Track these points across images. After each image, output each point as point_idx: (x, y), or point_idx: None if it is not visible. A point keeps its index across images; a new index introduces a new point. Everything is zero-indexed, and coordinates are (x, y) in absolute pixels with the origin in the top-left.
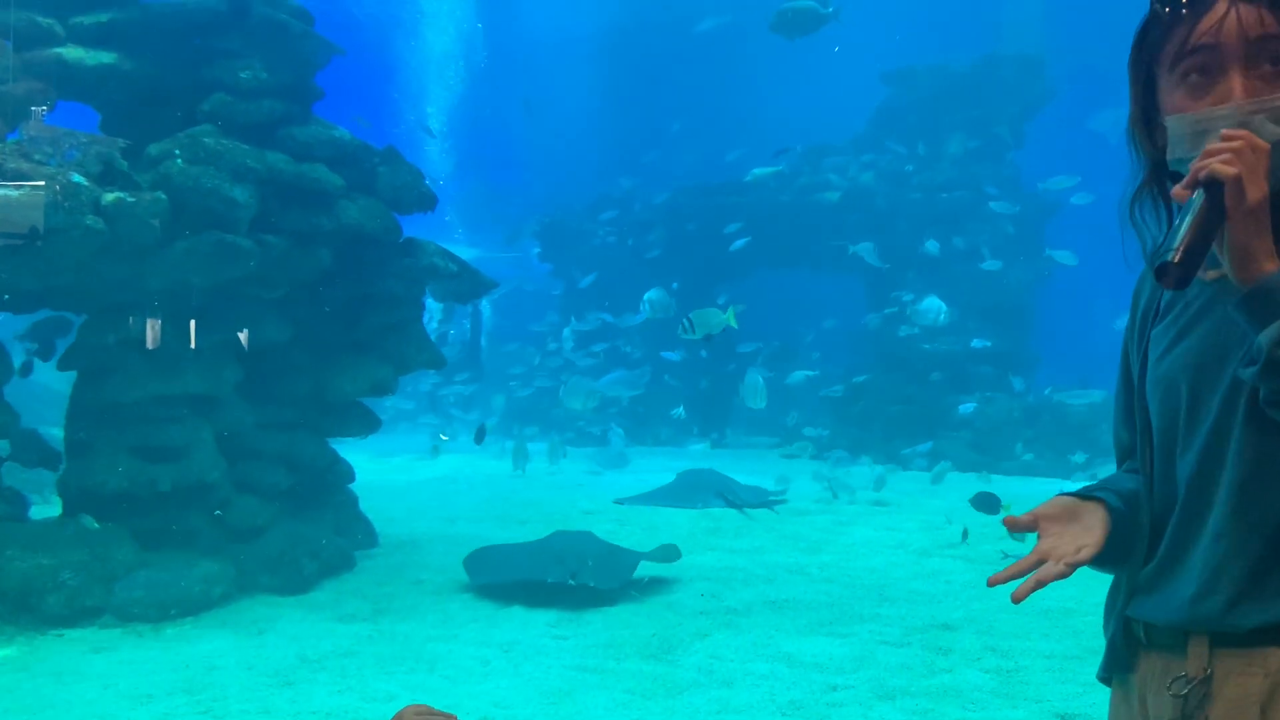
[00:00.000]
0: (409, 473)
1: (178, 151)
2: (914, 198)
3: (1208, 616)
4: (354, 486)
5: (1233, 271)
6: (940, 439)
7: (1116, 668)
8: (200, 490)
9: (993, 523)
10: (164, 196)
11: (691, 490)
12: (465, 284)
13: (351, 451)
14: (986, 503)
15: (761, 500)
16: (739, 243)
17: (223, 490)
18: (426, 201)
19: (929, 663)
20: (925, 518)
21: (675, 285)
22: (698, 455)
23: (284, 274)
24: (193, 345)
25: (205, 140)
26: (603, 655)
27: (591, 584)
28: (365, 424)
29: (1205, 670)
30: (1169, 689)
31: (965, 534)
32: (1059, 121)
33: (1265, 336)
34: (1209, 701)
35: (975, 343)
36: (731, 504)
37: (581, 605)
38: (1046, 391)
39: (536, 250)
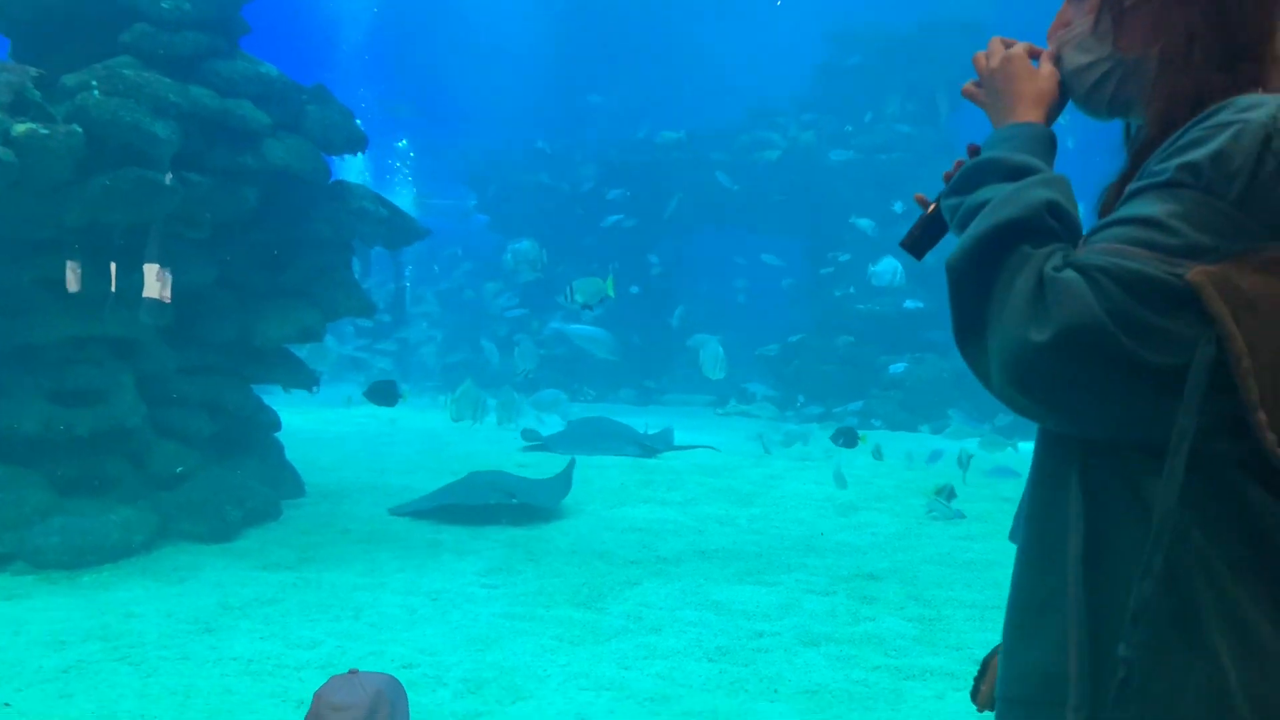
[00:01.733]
0: (340, 424)
1: (94, 83)
2: (853, 158)
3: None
4: (282, 435)
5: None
6: (871, 398)
7: None
8: (120, 435)
9: (919, 479)
10: (80, 130)
11: (589, 441)
12: (396, 230)
13: (285, 401)
14: (846, 437)
15: (667, 445)
16: (672, 204)
17: (143, 436)
18: (357, 142)
19: (854, 611)
20: (854, 473)
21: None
22: (629, 412)
23: (208, 214)
24: (113, 286)
25: (124, 72)
26: (532, 603)
27: (532, 503)
28: (293, 371)
29: None
30: None
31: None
32: None
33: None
34: None
35: (908, 304)
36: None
37: (512, 555)
38: None
39: (474, 202)
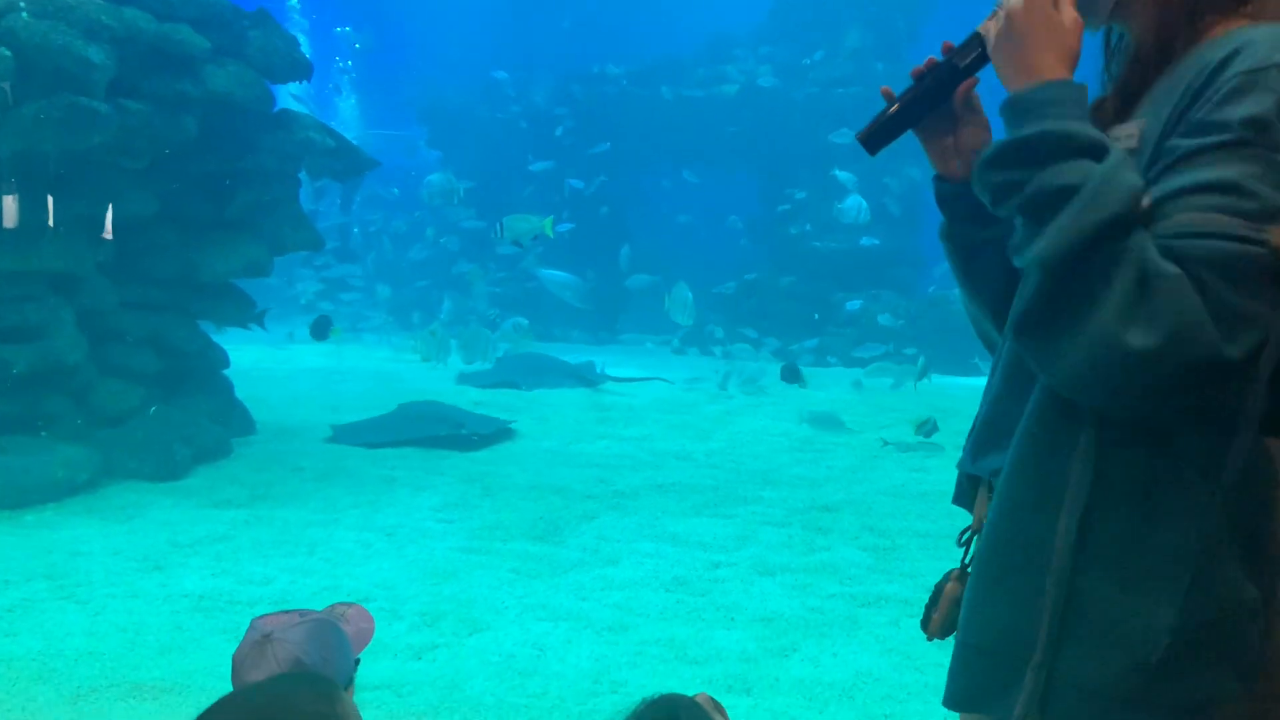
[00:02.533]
0: (291, 362)
1: (23, 4)
2: (811, 93)
3: (978, 466)
4: (232, 373)
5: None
6: (827, 335)
7: (963, 502)
8: (60, 372)
9: (872, 413)
10: (9, 53)
11: (525, 376)
12: (344, 161)
13: (235, 338)
14: (791, 374)
15: (595, 377)
16: (602, 146)
17: (86, 373)
18: (301, 69)
19: (809, 541)
20: (811, 408)
21: (571, 180)
22: (586, 351)
23: (147, 143)
24: (49, 219)
25: None
26: (489, 537)
27: (481, 431)
28: (240, 307)
29: (984, 520)
30: (959, 540)
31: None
32: (957, 18)
33: (983, 153)
34: None
35: (865, 241)
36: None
37: (469, 490)
38: (931, 290)
39: (424, 135)
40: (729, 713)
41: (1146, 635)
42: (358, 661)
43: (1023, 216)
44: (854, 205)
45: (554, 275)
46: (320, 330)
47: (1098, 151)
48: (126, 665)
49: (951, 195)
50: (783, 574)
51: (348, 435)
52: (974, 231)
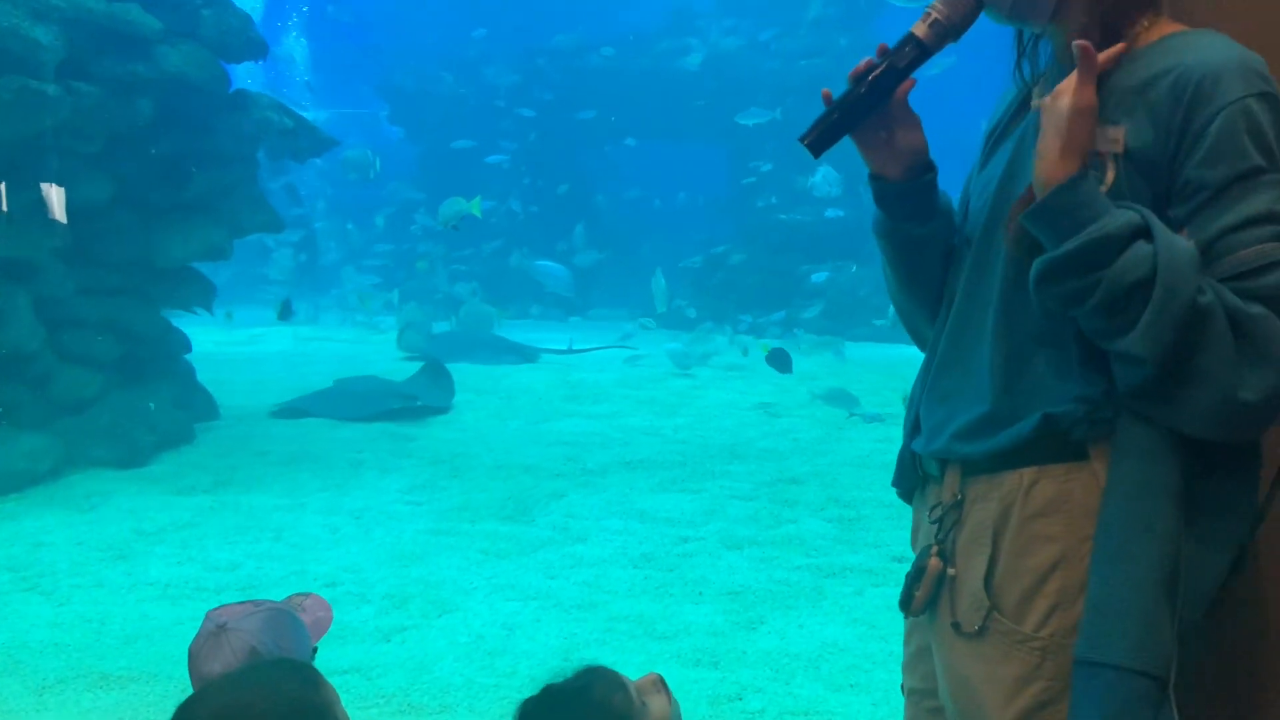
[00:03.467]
0: (256, 345)
1: None
2: (774, 65)
3: (953, 445)
4: (194, 357)
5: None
6: (794, 308)
7: (903, 484)
8: (18, 360)
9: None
10: None
11: (463, 351)
12: (303, 140)
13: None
14: (780, 360)
15: (530, 354)
16: (588, 114)
17: (44, 360)
18: (256, 48)
19: (775, 514)
20: (777, 381)
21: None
22: (555, 328)
23: (100, 126)
24: (1, 205)
25: None
26: (457, 519)
27: (433, 403)
28: (200, 291)
29: (956, 496)
30: (929, 516)
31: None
32: None
33: (1034, 271)
34: (959, 527)
35: (830, 213)
36: None
37: (436, 471)
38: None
39: (385, 112)
40: (699, 686)
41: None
42: (315, 650)
43: (1104, 314)
44: (823, 177)
45: (544, 266)
46: (284, 313)
47: (1140, 232)
48: (92, 655)
49: (892, 194)
50: (750, 547)
51: (292, 411)
52: (912, 229)
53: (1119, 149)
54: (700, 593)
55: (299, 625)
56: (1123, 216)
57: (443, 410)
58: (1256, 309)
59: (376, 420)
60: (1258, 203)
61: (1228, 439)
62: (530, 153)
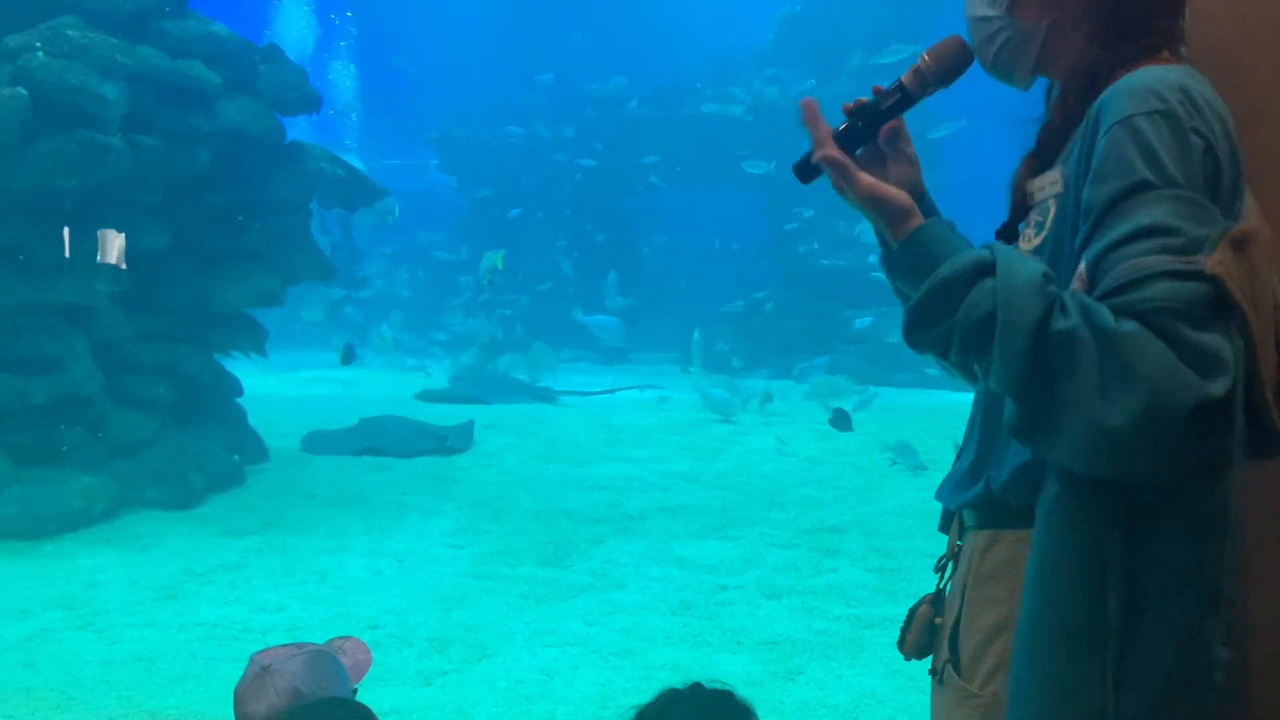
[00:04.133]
0: (305, 387)
1: (39, 44)
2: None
3: (950, 495)
4: (246, 400)
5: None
6: (836, 353)
7: (945, 529)
8: (77, 403)
9: (888, 434)
10: (25, 92)
11: (486, 388)
12: (354, 190)
13: (248, 365)
14: (841, 420)
15: (546, 395)
16: (651, 158)
17: (101, 403)
18: (310, 102)
19: (816, 563)
20: (819, 428)
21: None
22: (598, 370)
23: (160, 177)
24: (64, 252)
25: (69, 32)
26: (498, 562)
27: (460, 446)
28: (252, 336)
29: (955, 548)
30: (937, 565)
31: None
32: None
33: (903, 328)
34: (953, 579)
35: (872, 258)
36: None
37: (478, 515)
38: None
39: (435, 161)
40: None
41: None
42: (355, 691)
43: (969, 356)
44: None
45: (598, 320)
46: (347, 356)
47: (983, 268)
48: (143, 694)
49: None
50: (789, 596)
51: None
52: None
53: (1059, 189)
54: (738, 642)
55: (340, 667)
56: (965, 257)
57: (485, 453)
58: (1128, 325)
59: (414, 457)
60: (1143, 217)
61: (1111, 472)
62: (575, 200)
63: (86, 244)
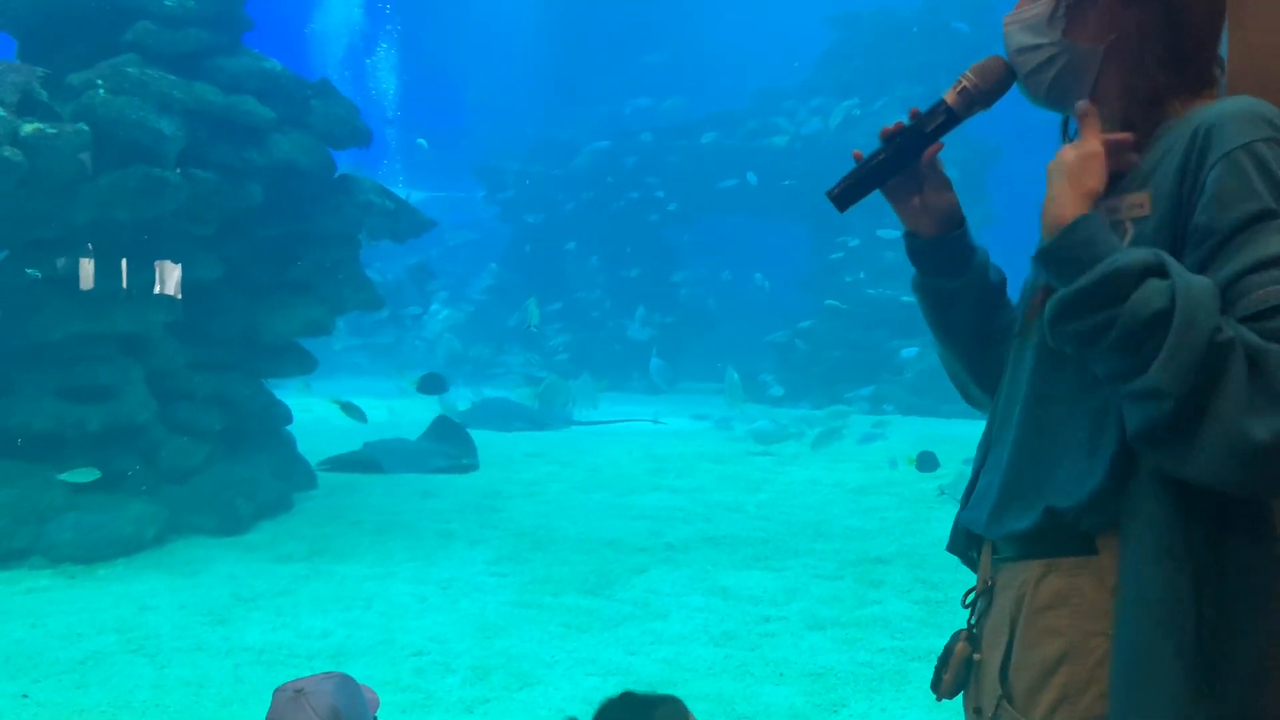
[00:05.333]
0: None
1: (100, 81)
2: (859, 142)
3: (982, 523)
4: (294, 428)
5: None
6: (882, 383)
7: (955, 549)
8: (131, 431)
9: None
10: (86, 128)
11: (493, 419)
12: (403, 222)
13: (296, 393)
14: (928, 462)
15: (542, 423)
16: (728, 183)
17: (154, 431)
18: (361, 136)
19: (860, 595)
20: (863, 458)
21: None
22: (643, 400)
23: (214, 210)
24: (121, 283)
25: (129, 70)
26: (540, 591)
27: (471, 462)
28: (301, 365)
29: (988, 582)
30: (963, 601)
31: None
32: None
33: (1049, 311)
34: (988, 614)
35: None
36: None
37: (520, 544)
38: None
39: (481, 193)
40: None
41: None
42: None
43: (1120, 351)
44: None
45: (655, 364)
46: (432, 385)
47: (1154, 268)
48: (191, 717)
49: (923, 250)
50: (833, 628)
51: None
52: (945, 283)
53: (1144, 212)
54: (781, 674)
55: (361, 691)
56: (1137, 252)
57: (527, 481)
58: (1275, 347)
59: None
60: (1270, 246)
61: (1240, 487)
62: (620, 230)
63: (142, 275)
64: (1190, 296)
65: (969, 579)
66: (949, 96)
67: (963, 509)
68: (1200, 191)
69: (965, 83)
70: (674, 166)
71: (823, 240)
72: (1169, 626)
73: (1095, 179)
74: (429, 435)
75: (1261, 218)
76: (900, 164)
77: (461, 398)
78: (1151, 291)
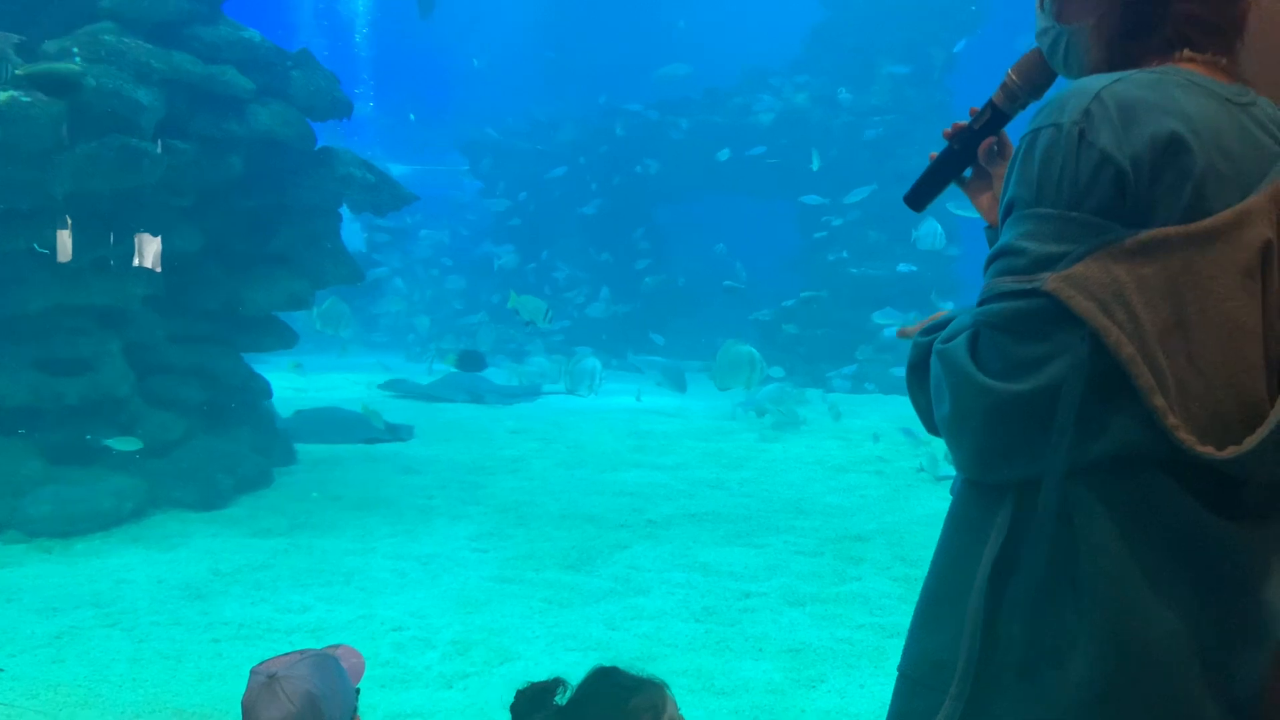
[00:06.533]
0: (332, 390)
1: (76, 50)
2: (846, 121)
3: None
4: (275, 403)
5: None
6: (863, 362)
7: None
8: (109, 404)
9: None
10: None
11: (447, 388)
12: (384, 195)
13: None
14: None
15: (512, 396)
16: (723, 153)
17: (133, 404)
18: (341, 107)
19: (840, 571)
20: (844, 436)
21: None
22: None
23: (193, 181)
24: (99, 255)
25: (105, 38)
26: (522, 567)
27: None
28: (282, 339)
29: None
30: None
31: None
32: (993, 44)
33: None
34: None
35: (901, 267)
36: None
37: (503, 519)
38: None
39: (465, 166)
40: None
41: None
42: (357, 691)
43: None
44: (930, 230)
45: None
46: (472, 362)
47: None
48: (169, 692)
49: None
50: (812, 604)
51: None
52: None
53: None
54: (761, 649)
55: (341, 668)
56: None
57: (510, 458)
58: (953, 343)
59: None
60: (1004, 237)
61: (963, 469)
62: (607, 206)
63: (120, 247)
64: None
65: None
66: (995, 96)
67: None
68: None
69: (1007, 80)
70: (661, 143)
71: (808, 219)
72: (942, 572)
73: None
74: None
75: (1009, 208)
76: (959, 162)
77: (425, 372)
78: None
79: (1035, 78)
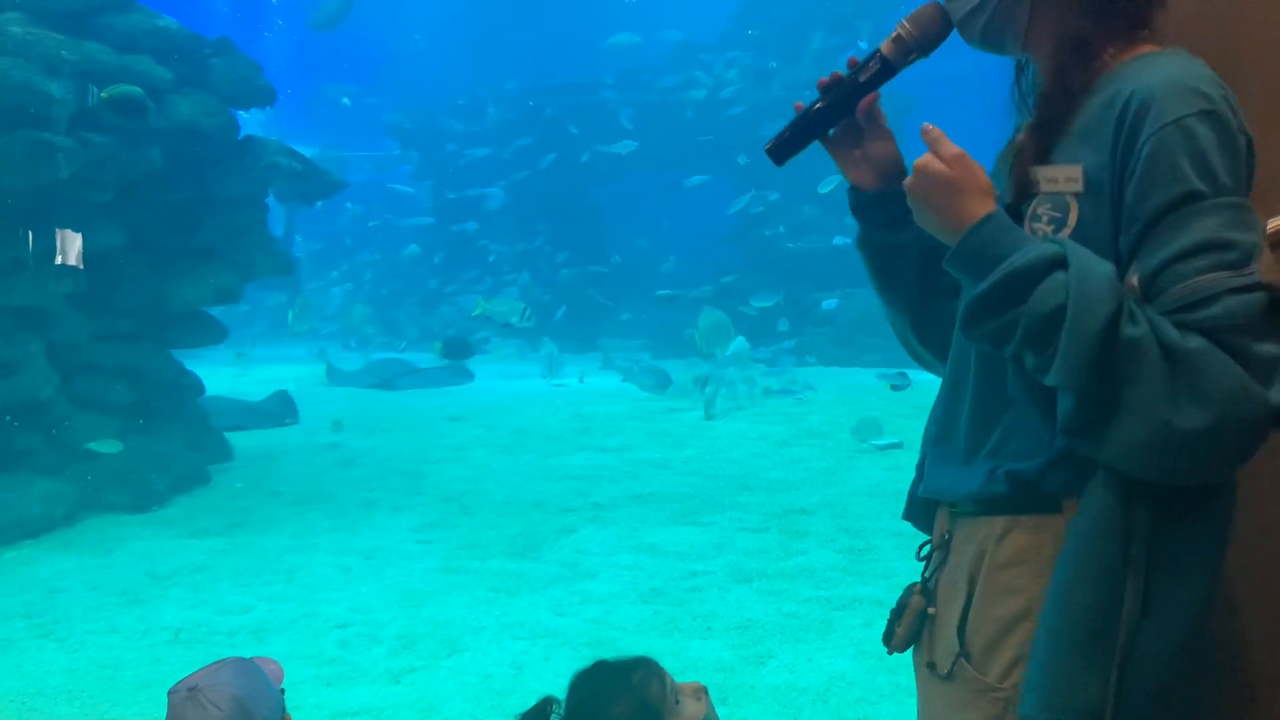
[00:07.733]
0: (269, 384)
1: None
2: (777, 95)
3: (941, 486)
4: (207, 399)
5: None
6: (805, 335)
7: (912, 518)
8: (33, 407)
9: (849, 414)
10: None
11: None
12: (312, 183)
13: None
14: (870, 427)
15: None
16: (626, 145)
17: (59, 407)
18: (264, 95)
19: (785, 546)
20: (788, 410)
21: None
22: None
23: (111, 176)
24: (17, 253)
25: (12, 29)
26: (467, 557)
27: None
28: (211, 334)
29: (944, 535)
30: (917, 554)
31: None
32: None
33: (959, 316)
34: (944, 568)
35: (837, 240)
36: None
37: (447, 509)
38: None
39: (396, 150)
40: None
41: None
42: (283, 690)
43: (1029, 349)
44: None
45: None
46: (458, 349)
47: (1056, 262)
48: (106, 702)
49: (866, 203)
50: (759, 580)
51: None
52: (889, 237)
53: (1079, 188)
54: (709, 627)
55: (260, 670)
56: (1038, 249)
57: (453, 447)
58: (1195, 342)
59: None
60: (1198, 231)
61: (1163, 476)
62: (538, 187)
63: (39, 245)
64: (1084, 292)
65: (890, 527)
66: (884, 46)
67: (918, 480)
68: (1133, 170)
69: (900, 31)
70: (588, 123)
71: (743, 194)
72: (1092, 609)
73: (979, 174)
74: (273, 398)
75: (1186, 200)
76: (835, 116)
77: (352, 360)
78: (1049, 288)
79: (932, 33)
